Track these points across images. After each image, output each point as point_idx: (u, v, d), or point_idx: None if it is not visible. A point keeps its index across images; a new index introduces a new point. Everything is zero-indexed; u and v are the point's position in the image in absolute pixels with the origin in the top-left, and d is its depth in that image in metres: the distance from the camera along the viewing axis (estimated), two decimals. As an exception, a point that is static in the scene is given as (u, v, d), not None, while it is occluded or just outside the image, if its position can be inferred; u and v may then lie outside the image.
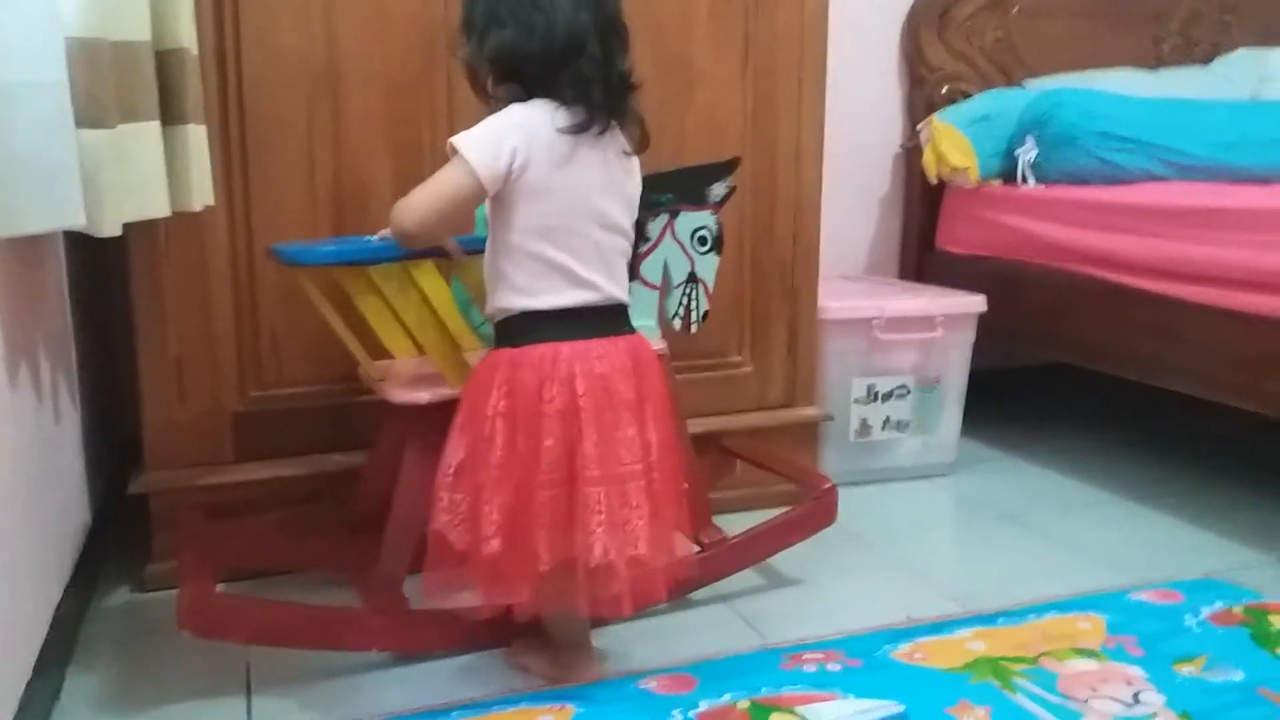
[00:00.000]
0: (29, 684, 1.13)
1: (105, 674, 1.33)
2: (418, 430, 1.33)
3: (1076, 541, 1.79)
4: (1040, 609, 1.48)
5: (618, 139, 1.22)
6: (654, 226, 1.43)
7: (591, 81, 1.16)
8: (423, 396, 1.32)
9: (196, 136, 1.32)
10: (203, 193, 1.35)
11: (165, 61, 1.25)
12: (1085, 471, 2.16)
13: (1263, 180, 2.23)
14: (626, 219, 1.26)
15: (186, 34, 1.29)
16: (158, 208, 1.23)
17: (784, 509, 1.64)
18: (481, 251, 1.26)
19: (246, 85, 1.50)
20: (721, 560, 1.53)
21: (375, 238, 1.31)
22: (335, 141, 1.56)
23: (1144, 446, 2.32)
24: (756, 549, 1.59)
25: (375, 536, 1.36)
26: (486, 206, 1.23)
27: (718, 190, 1.48)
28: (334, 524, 1.54)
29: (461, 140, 1.16)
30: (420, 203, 1.16)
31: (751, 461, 1.76)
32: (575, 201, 1.19)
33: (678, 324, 1.50)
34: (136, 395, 1.52)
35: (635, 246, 1.39)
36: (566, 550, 1.16)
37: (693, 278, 1.49)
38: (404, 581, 1.34)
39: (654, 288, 1.47)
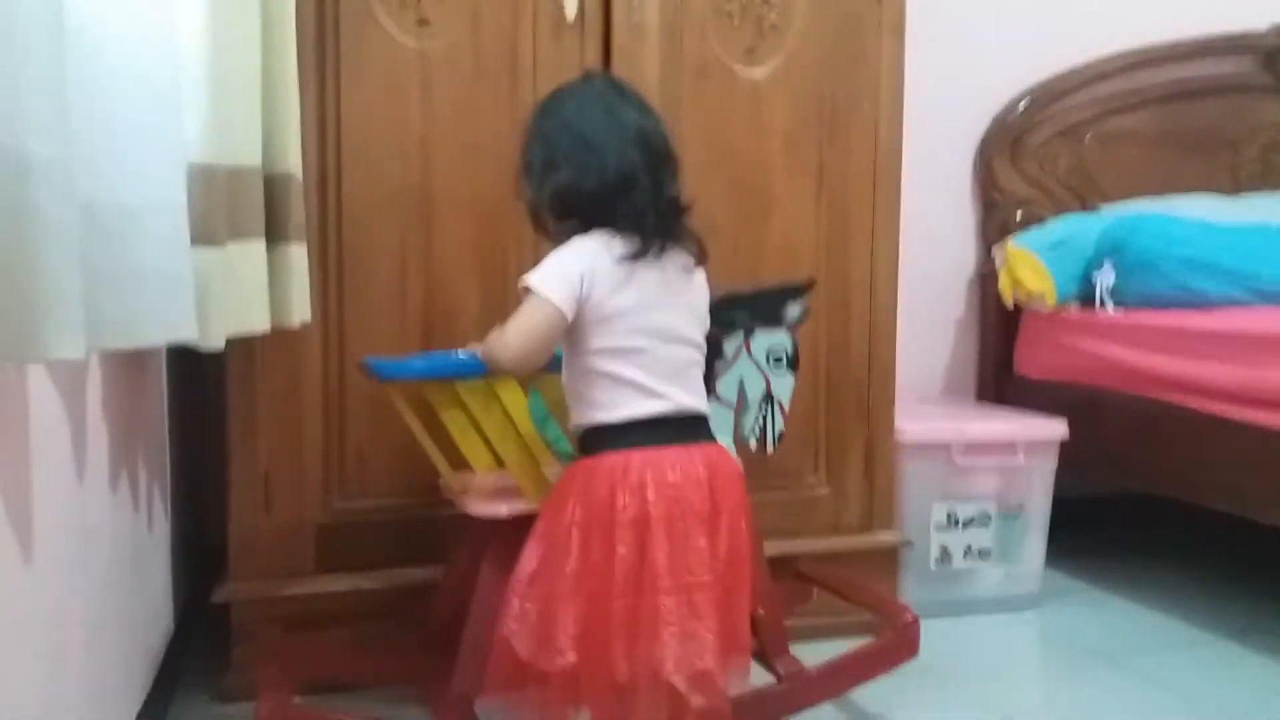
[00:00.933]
0: (108, 793, 1.13)
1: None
2: (495, 544, 1.33)
3: (1171, 682, 1.70)
4: (1137, 752, 1.40)
5: (678, 256, 1.26)
6: (730, 346, 1.45)
7: (644, 211, 1.22)
8: (501, 510, 1.33)
9: (298, 255, 1.38)
10: (301, 310, 1.40)
11: (273, 184, 1.32)
12: (1176, 606, 2.07)
13: (1353, 308, 2.19)
14: (695, 331, 1.28)
15: (294, 160, 1.36)
16: (259, 323, 1.28)
17: (862, 638, 1.59)
18: (557, 370, 1.29)
19: (345, 207, 1.58)
20: (799, 693, 1.49)
21: (462, 353, 1.34)
22: (426, 263, 1.62)
23: (1238, 581, 2.22)
24: (836, 682, 1.54)
25: (450, 652, 1.35)
26: None
27: (793, 311, 1.50)
28: (409, 639, 1.53)
29: (534, 279, 1.21)
30: (515, 339, 1.20)
31: (830, 589, 1.72)
32: (641, 322, 1.22)
33: (753, 443, 1.49)
34: (223, 505, 1.56)
35: (711, 365, 1.41)
36: (642, 662, 1.14)
37: (769, 397, 1.49)
38: (476, 698, 1.33)
39: (730, 406, 1.47)
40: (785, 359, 1.49)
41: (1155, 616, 2.03)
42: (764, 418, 1.49)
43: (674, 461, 1.20)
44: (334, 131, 1.57)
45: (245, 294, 1.24)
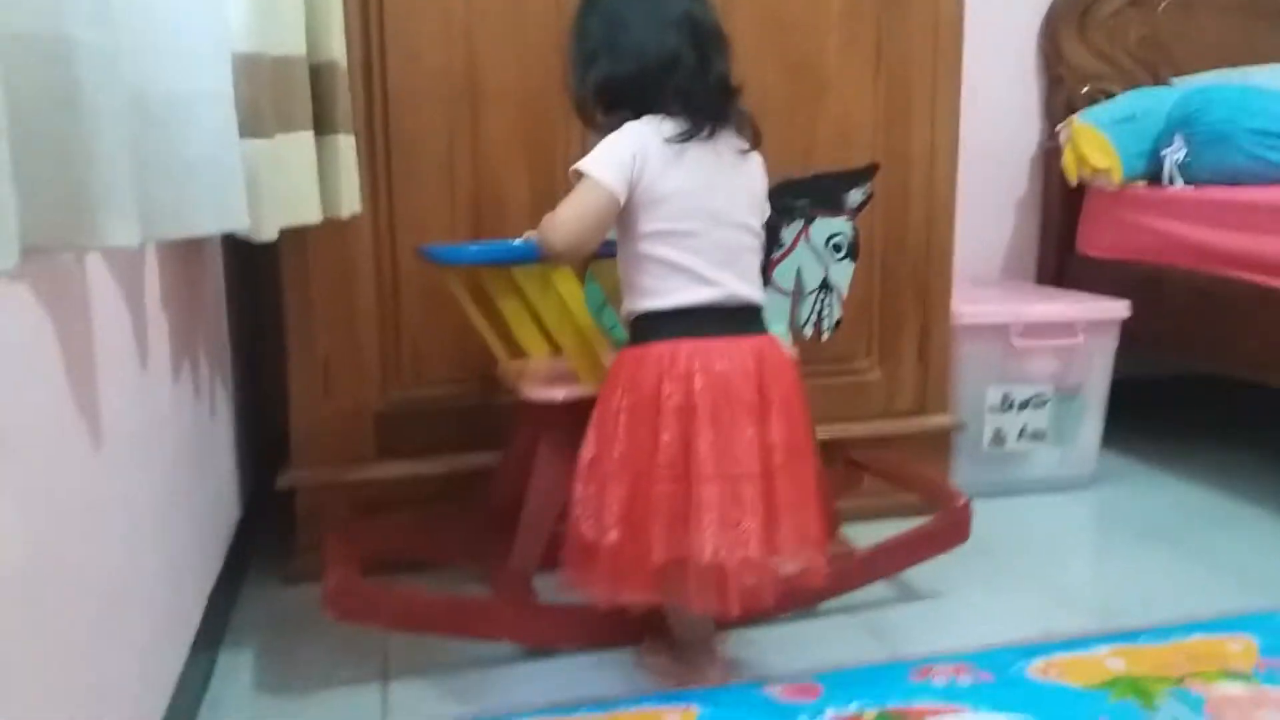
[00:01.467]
0: (185, 665, 1.20)
1: (253, 659, 1.40)
2: (551, 428, 1.36)
3: (1226, 559, 1.70)
4: (1186, 628, 1.41)
5: (731, 139, 1.26)
6: (788, 233, 1.43)
7: (691, 91, 1.21)
8: (558, 394, 1.35)
9: (346, 146, 1.38)
10: (351, 201, 1.41)
11: (318, 74, 1.31)
12: (1235, 486, 2.05)
13: None
14: (751, 217, 1.28)
15: (338, 48, 1.35)
16: (311, 214, 1.29)
17: (915, 520, 1.60)
18: (614, 255, 1.29)
19: (391, 97, 1.57)
20: (848, 574, 1.51)
21: (519, 240, 1.35)
22: (474, 152, 1.61)
23: (1298, 460, 2.20)
24: (885, 563, 1.56)
25: (509, 532, 1.39)
26: None
27: (855, 196, 1.47)
28: (470, 519, 1.58)
29: (585, 164, 1.21)
30: (567, 221, 1.21)
31: (881, 475, 1.73)
32: (692, 203, 1.22)
33: (809, 331, 1.49)
34: (284, 393, 1.60)
35: (769, 252, 1.40)
36: (680, 546, 1.17)
37: (826, 285, 1.48)
38: (534, 576, 1.38)
39: (787, 294, 1.47)
40: (845, 246, 1.48)
41: (1210, 495, 2.02)
42: (821, 305, 1.48)
43: (722, 351, 1.21)
44: (377, 19, 1.54)
45: (295, 185, 1.25)
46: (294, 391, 1.59)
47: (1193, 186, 2.22)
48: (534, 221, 1.27)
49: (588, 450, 1.23)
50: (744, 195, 1.27)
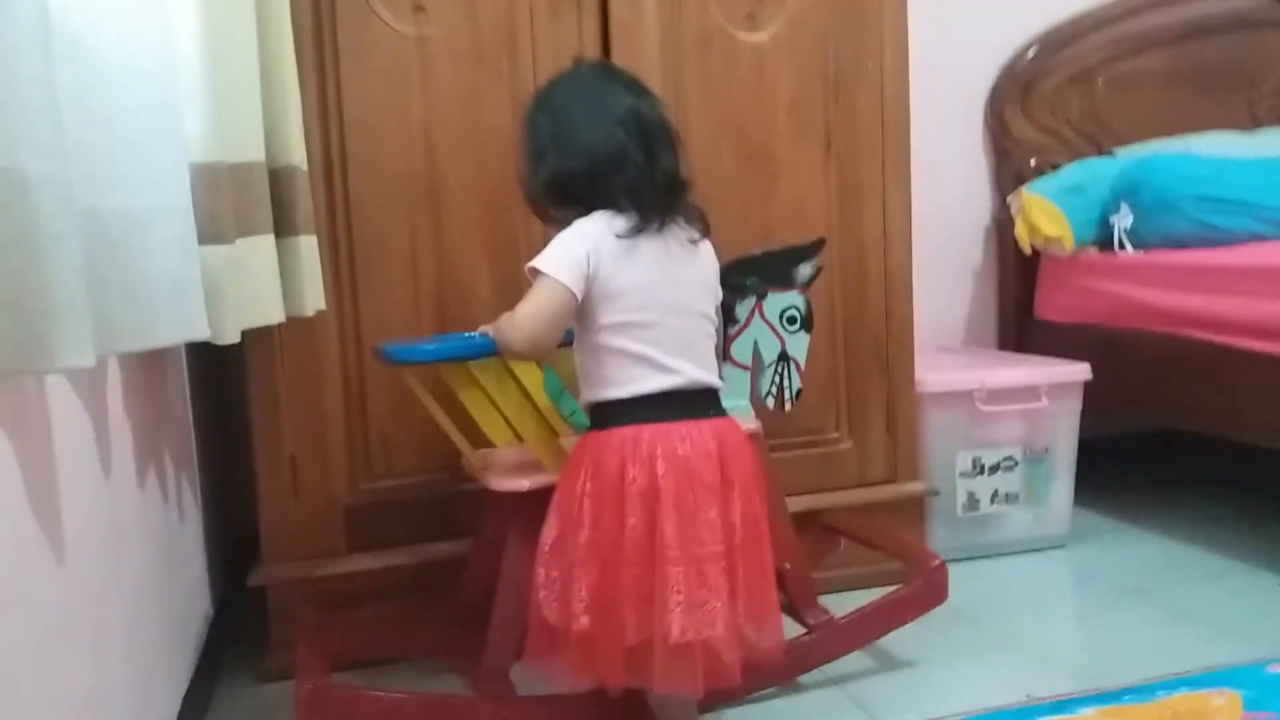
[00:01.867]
0: (160, 773, 1.18)
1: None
2: (519, 517, 1.36)
3: (1205, 613, 1.70)
4: (1170, 685, 1.41)
5: (680, 231, 1.28)
6: (742, 309, 1.46)
7: (638, 187, 1.24)
8: (523, 484, 1.35)
9: (308, 246, 1.40)
10: (315, 299, 1.43)
11: (278, 178, 1.34)
12: (1208, 540, 2.06)
13: (1374, 238, 2.16)
14: (706, 304, 1.31)
15: (297, 151, 1.38)
16: (273, 314, 1.30)
17: (892, 587, 1.60)
18: (569, 344, 1.31)
19: (353, 198, 1.60)
20: (829, 643, 1.51)
21: (476, 333, 1.36)
22: (436, 248, 1.64)
23: (1269, 512, 2.21)
24: (865, 630, 1.56)
25: (482, 624, 1.38)
26: None
27: (804, 271, 1.51)
28: (442, 613, 1.57)
29: (542, 262, 1.23)
30: (526, 321, 1.23)
31: (856, 539, 1.74)
32: (648, 296, 1.24)
33: (771, 402, 1.51)
34: (253, 492, 1.60)
35: (725, 329, 1.43)
36: (649, 628, 1.18)
37: (784, 356, 1.50)
38: (511, 668, 1.36)
39: (745, 368, 1.49)
40: (799, 319, 1.51)
41: (1186, 549, 2.03)
42: (780, 377, 1.50)
43: (684, 435, 1.22)
44: (336, 122, 1.59)
45: (257, 288, 1.26)
46: (262, 489, 1.59)
47: (1142, 251, 2.28)
48: (498, 313, 1.29)
49: (549, 533, 1.24)
50: (697, 284, 1.30)
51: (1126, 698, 1.38)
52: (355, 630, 1.58)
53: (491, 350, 1.31)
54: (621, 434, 1.22)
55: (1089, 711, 1.35)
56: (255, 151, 1.27)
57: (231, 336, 1.19)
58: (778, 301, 1.49)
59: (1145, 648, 1.58)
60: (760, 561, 1.25)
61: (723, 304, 1.38)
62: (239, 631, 1.70)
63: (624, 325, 1.24)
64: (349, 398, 1.62)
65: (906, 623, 1.56)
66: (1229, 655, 1.51)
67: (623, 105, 1.26)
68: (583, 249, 1.23)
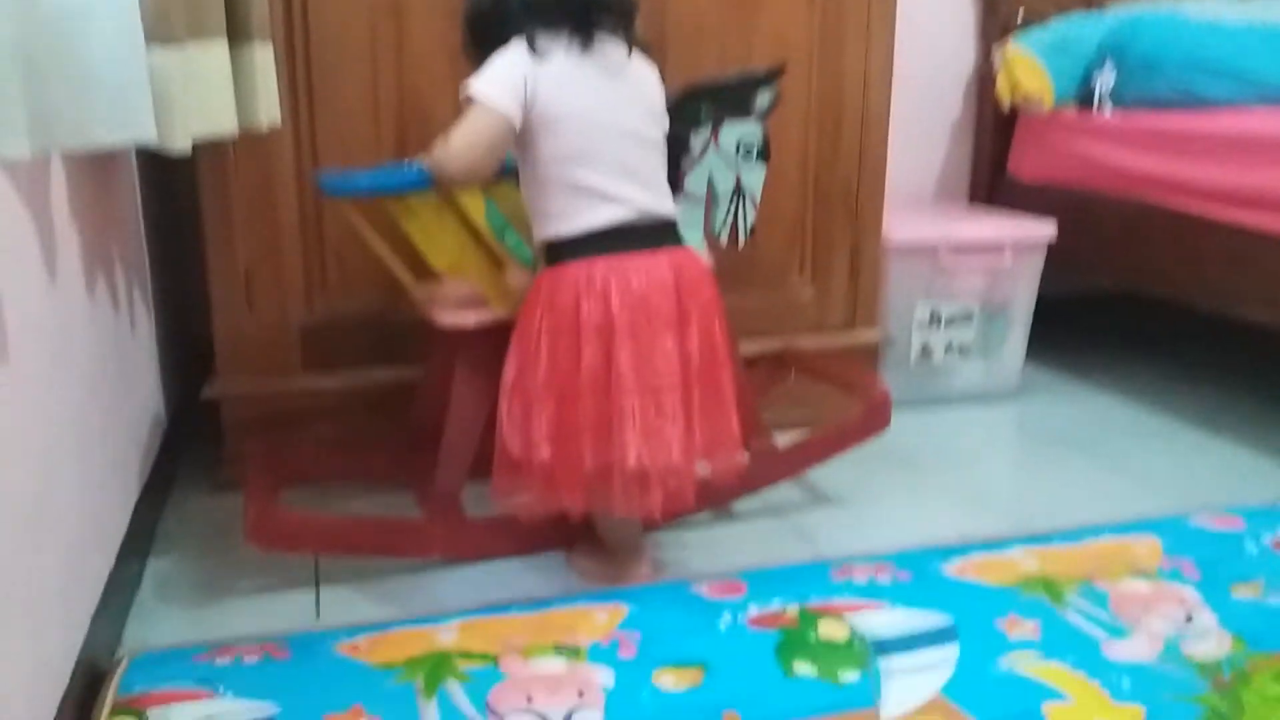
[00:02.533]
0: (111, 574, 1.21)
1: (181, 566, 1.41)
2: (466, 351, 1.37)
3: (1139, 468, 1.76)
4: (1096, 530, 1.47)
5: (612, 52, 1.25)
6: (697, 140, 1.42)
7: (543, 9, 1.21)
8: (469, 319, 1.35)
9: (263, 55, 1.34)
10: (270, 112, 1.38)
11: (232, -23, 1.28)
12: (1152, 400, 2.12)
13: (1355, 107, 2.13)
14: (649, 127, 1.27)
15: (253, -50, 1.31)
16: (226, 126, 1.25)
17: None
18: (510, 177, 1.29)
19: (311, 5, 1.52)
20: (773, 465, 1.54)
21: (414, 164, 1.31)
22: (399, 64, 1.58)
23: (1214, 376, 2.27)
24: (809, 454, 1.58)
25: (431, 450, 1.40)
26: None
27: (762, 99, 1.45)
28: (394, 437, 1.59)
29: (475, 86, 1.20)
30: (460, 148, 1.20)
31: (804, 369, 1.75)
32: (589, 120, 1.22)
33: (725, 237, 1.49)
34: (209, 306, 1.58)
35: (679, 161, 1.39)
36: (607, 455, 1.21)
37: (739, 190, 1.47)
38: (460, 493, 1.39)
39: (700, 201, 1.46)
40: (756, 150, 1.46)
41: (1129, 408, 2.08)
42: (734, 211, 1.48)
43: (638, 268, 1.21)
44: (296, -80, 1.50)
45: (209, 95, 1.21)
46: (216, 305, 1.58)
47: (1121, 112, 2.25)
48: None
49: (510, 371, 1.25)
50: (638, 106, 1.26)
51: (1055, 540, 1.44)
52: (306, 451, 1.60)
53: (428, 184, 1.28)
54: (575, 269, 1.21)
55: (1018, 551, 1.40)
56: (207, -54, 1.20)
57: (181, 145, 1.15)
58: (734, 132, 1.44)
59: (1078, 497, 1.64)
60: (718, 391, 1.27)
61: (677, 135, 1.34)
62: (195, 441, 1.72)
63: (566, 154, 1.21)
64: (304, 216, 1.59)
65: (850, 447, 1.60)
66: (1156, 507, 1.57)
67: None
68: (519, 72, 1.20)
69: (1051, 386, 2.22)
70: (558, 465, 1.22)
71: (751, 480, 1.50)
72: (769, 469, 1.55)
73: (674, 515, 1.37)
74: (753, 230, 1.49)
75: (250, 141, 1.44)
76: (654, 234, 1.25)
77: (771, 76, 1.45)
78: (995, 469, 1.83)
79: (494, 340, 1.29)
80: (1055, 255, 2.11)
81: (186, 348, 1.89)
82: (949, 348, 2.06)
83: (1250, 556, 1.39)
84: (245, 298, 1.58)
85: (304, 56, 1.54)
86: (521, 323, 1.25)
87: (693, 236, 1.40)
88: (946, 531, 1.49)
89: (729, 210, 1.47)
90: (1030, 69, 2.34)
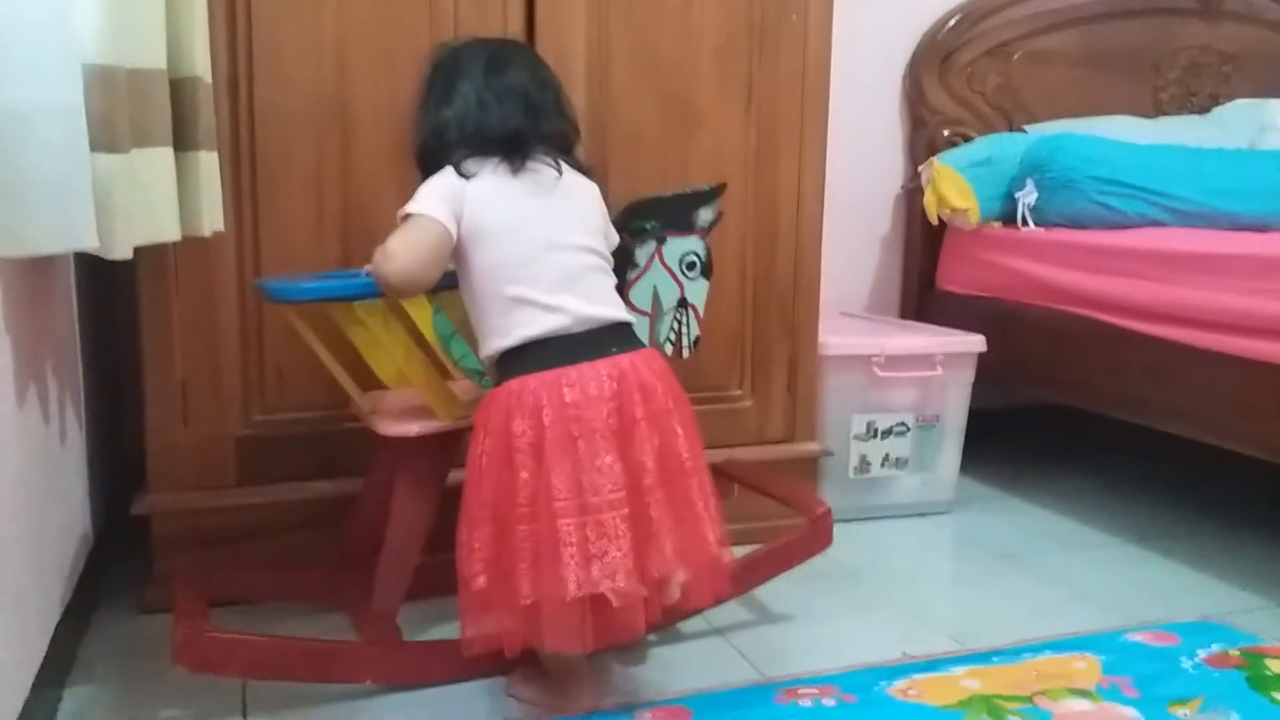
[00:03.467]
0: (26, 701, 1.14)
1: (103, 693, 1.33)
2: (408, 462, 1.34)
3: (1074, 581, 1.79)
4: (1036, 648, 1.47)
5: (545, 170, 1.29)
6: (642, 253, 1.44)
7: (473, 140, 1.27)
8: (412, 429, 1.33)
9: (208, 163, 1.34)
10: (213, 218, 1.37)
11: (179, 89, 1.28)
12: (1083, 512, 2.16)
13: (1260, 228, 2.25)
14: (588, 238, 1.29)
15: (201, 62, 1.31)
16: (168, 232, 1.25)
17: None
18: (455, 286, 1.30)
19: (258, 115, 1.53)
20: None
21: (365, 271, 1.32)
22: (344, 173, 1.59)
23: (1142, 489, 2.33)
24: (753, 574, 1.57)
25: (368, 567, 1.36)
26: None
27: (705, 216, 1.49)
28: (328, 554, 1.54)
29: (412, 206, 1.24)
30: (399, 251, 1.21)
31: (747, 484, 1.74)
32: (518, 233, 1.24)
33: (669, 349, 1.51)
34: (142, 417, 1.54)
35: (625, 274, 1.41)
36: (545, 585, 1.16)
37: (683, 303, 1.50)
38: (397, 613, 1.35)
39: (644, 314, 1.47)
40: (699, 264, 1.49)
41: (1061, 520, 2.12)
42: (679, 323, 1.50)
43: (572, 380, 1.19)
44: (245, 34, 1.51)
45: (152, 202, 1.21)
46: (150, 415, 1.53)
47: (1043, 228, 2.34)
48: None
49: (465, 495, 1.22)
50: (575, 218, 1.29)
51: (995, 659, 1.44)
52: (238, 568, 1.54)
53: (373, 292, 1.28)
54: (508, 388, 1.20)
55: (960, 670, 1.40)
56: (156, 59, 1.21)
57: (122, 251, 1.13)
58: (678, 246, 1.47)
59: (1017, 612, 1.65)
60: (688, 498, 1.23)
61: (622, 248, 1.37)
62: (121, 560, 1.65)
63: (499, 266, 1.23)
64: (245, 326, 1.57)
65: (793, 566, 1.59)
66: (1092, 622, 1.58)
67: (466, 78, 1.29)
68: (447, 185, 1.24)
69: (986, 499, 2.25)
70: (493, 595, 1.18)
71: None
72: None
73: (623, 642, 1.32)
74: (696, 342, 1.50)
75: (192, 248, 1.42)
76: (596, 342, 1.24)
77: (714, 194, 1.49)
78: (935, 584, 1.84)
79: (437, 451, 1.28)
80: (985, 368, 2.16)
81: (117, 460, 1.83)
82: (886, 460, 2.08)
83: (1186, 673, 1.40)
84: (180, 409, 1.54)
85: (250, 165, 1.54)
86: (470, 444, 1.24)
87: (636, 349, 1.42)
88: (890, 649, 1.48)
89: (673, 323, 1.49)
90: (957, 185, 2.44)
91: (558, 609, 1.16)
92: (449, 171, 1.26)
